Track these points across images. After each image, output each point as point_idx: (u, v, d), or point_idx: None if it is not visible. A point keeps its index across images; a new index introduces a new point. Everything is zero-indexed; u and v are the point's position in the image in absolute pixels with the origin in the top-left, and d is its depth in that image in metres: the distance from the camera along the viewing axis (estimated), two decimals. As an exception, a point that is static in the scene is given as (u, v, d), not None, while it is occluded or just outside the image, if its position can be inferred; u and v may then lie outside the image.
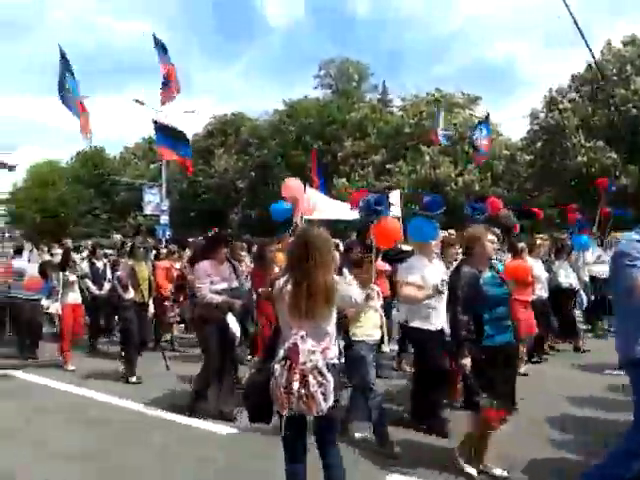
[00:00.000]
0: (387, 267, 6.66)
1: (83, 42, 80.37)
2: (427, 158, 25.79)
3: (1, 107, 73.76)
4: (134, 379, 6.82)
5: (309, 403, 2.78)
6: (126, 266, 7.00)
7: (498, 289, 3.87)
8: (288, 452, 3.10)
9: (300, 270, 3.00)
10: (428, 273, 4.76)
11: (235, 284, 5.50)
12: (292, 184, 6.32)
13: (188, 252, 10.81)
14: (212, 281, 5.27)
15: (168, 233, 23.43)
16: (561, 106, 24.81)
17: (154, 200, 26.39)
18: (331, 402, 2.81)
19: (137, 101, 27.40)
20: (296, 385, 2.76)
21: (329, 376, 2.81)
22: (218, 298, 5.23)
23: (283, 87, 78.54)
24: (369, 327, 4.62)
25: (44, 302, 8.16)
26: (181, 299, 9.35)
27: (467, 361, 3.68)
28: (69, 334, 7.87)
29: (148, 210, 26.84)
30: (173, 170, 30.23)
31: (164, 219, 24.55)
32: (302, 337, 2.86)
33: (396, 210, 7.82)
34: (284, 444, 3.09)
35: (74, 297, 7.95)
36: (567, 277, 7.68)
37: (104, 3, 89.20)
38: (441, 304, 4.64)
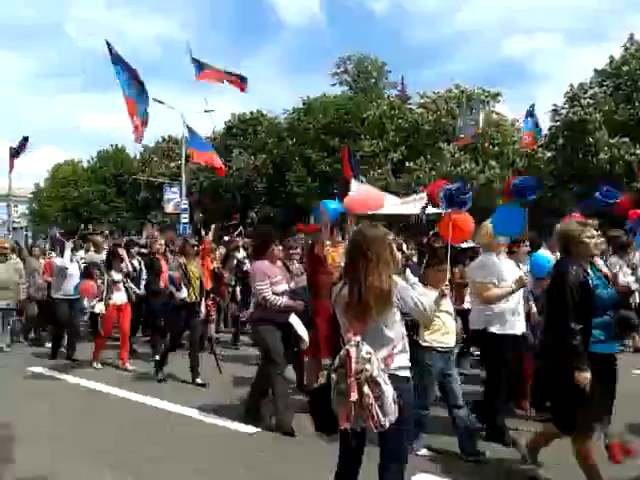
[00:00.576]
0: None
1: (100, 41, 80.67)
2: (448, 155, 25.56)
3: (19, 108, 74.36)
4: (160, 375, 6.82)
5: (366, 415, 2.57)
6: (178, 265, 6.82)
7: (608, 290, 3.42)
8: (338, 466, 2.98)
9: (355, 270, 2.81)
10: (506, 271, 4.41)
11: (292, 284, 5.44)
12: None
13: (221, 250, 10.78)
14: (272, 282, 5.14)
15: (188, 231, 23.50)
16: (583, 102, 24.45)
17: (174, 198, 26.52)
18: (392, 417, 2.59)
19: (157, 100, 27.53)
20: (353, 396, 2.55)
21: (385, 387, 2.58)
22: (282, 300, 5.11)
23: (299, 84, 78.32)
24: (441, 332, 4.16)
25: (86, 302, 8.16)
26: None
27: (587, 375, 3.20)
28: (102, 334, 7.84)
29: (169, 208, 27.01)
30: (193, 169, 30.24)
31: (184, 217, 24.63)
32: (357, 344, 2.64)
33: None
34: (339, 455, 2.96)
35: (119, 297, 7.84)
36: (625, 276, 7.44)
37: (120, 1, 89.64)
38: (521, 307, 4.47)
